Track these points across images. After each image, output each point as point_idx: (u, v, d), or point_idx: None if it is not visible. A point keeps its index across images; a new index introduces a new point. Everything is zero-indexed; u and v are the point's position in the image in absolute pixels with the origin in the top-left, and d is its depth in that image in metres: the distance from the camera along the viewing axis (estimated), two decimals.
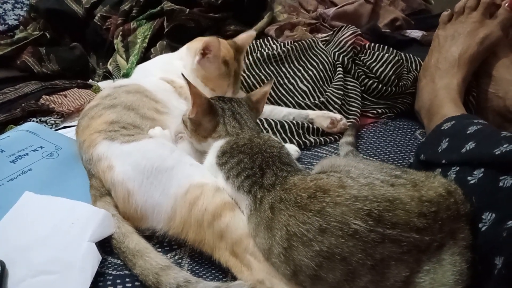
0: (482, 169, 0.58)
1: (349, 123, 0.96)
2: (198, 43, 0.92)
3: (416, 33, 1.29)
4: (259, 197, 0.56)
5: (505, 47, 0.96)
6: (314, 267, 0.48)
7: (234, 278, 0.57)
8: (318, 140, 0.93)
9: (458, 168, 0.62)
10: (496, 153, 0.56)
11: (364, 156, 0.87)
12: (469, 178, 0.58)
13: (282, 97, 1.04)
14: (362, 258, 0.46)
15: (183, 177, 0.62)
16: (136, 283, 0.57)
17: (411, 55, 1.11)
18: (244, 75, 1.05)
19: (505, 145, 0.56)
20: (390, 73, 1.04)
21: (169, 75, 0.88)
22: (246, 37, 0.98)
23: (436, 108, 0.90)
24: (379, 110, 1.04)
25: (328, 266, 0.48)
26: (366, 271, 0.46)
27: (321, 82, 1.08)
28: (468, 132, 0.66)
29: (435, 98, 0.92)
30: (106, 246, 0.61)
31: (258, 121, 0.81)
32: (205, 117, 0.70)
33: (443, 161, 0.66)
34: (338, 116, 0.96)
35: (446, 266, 0.48)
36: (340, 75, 1.06)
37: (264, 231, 0.54)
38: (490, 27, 0.95)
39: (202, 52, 0.86)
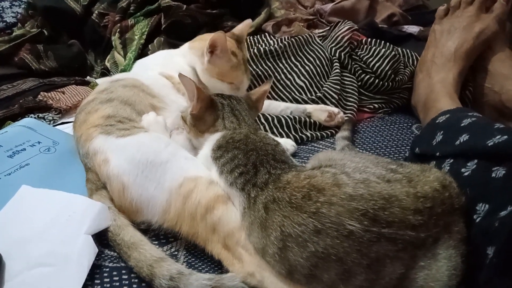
0: (476, 161, 0.58)
1: (346, 118, 0.97)
2: (200, 42, 0.92)
3: (413, 29, 1.29)
4: (252, 196, 0.56)
5: (501, 41, 0.96)
6: (309, 267, 0.48)
7: (228, 271, 0.57)
8: (314, 134, 0.94)
9: (452, 160, 0.62)
10: (489, 144, 0.57)
11: (360, 151, 0.88)
12: (463, 170, 0.59)
13: (279, 93, 1.05)
14: (358, 258, 0.46)
15: (178, 170, 0.63)
16: (132, 275, 0.57)
17: (408, 50, 1.11)
18: None
19: (497, 137, 0.56)
20: (387, 68, 1.04)
21: (168, 70, 0.89)
22: (243, 26, 0.99)
23: (432, 102, 0.90)
24: (376, 105, 1.05)
25: (324, 266, 0.48)
26: (361, 270, 0.47)
27: (318, 78, 1.08)
28: (462, 124, 0.67)
29: (431, 92, 0.93)
30: (102, 238, 0.61)
31: None
32: (206, 112, 0.70)
33: (438, 154, 0.66)
34: (335, 109, 0.97)
35: (441, 261, 0.48)
36: (337, 70, 1.06)
37: (258, 231, 0.54)
38: (486, 21, 0.95)
39: (210, 50, 0.86)
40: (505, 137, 0.56)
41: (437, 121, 0.74)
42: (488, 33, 0.94)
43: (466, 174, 0.58)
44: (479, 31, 0.94)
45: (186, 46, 0.97)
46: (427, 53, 1.01)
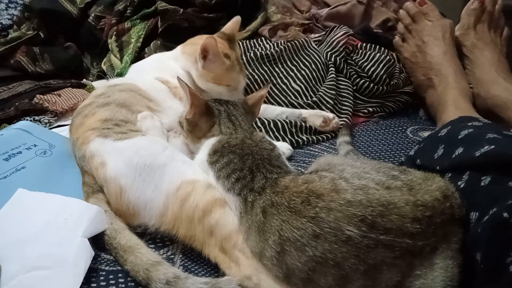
0: (468, 172, 0.58)
1: (341, 123, 0.98)
2: (192, 47, 0.93)
3: None
4: (250, 201, 0.56)
5: (482, 49, 1.00)
6: (306, 271, 0.48)
7: (225, 274, 0.57)
8: (310, 138, 0.94)
9: (450, 174, 0.62)
10: (476, 155, 0.57)
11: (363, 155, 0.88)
12: (459, 183, 0.58)
13: (275, 97, 1.05)
14: (355, 264, 0.46)
15: (175, 174, 0.63)
16: (129, 279, 0.57)
17: None
18: None
19: (485, 147, 0.56)
20: (382, 72, 1.06)
21: (164, 75, 0.89)
22: (232, 24, 0.99)
23: (440, 114, 0.95)
24: (371, 109, 1.06)
25: (321, 271, 0.48)
26: (358, 276, 0.47)
27: (313, 82, 1.09)
28: (459, 137, 0.66)
29: (438, 104, 0.98)
30: (99, 242, 0.61)
31: None
32: (202, 118, 0.70)
33: (438, 168, 0.66)
34: (330, 115, 0.97)
35: (438, 271, 0.48)
36: (333, 75, 1.07)
37: (256, 235, 0.54)
38: (440, 23, 1.04)
39: (202, 56, 0.87)
40: (492, 146, 0.56)
41: (439, 134, 0.73)
42: (449, 31, 1.03)
43: (462, 186, 0.58)
44: (442, 34, 1.02)
45: (178, 49, 0.97)
46: (417, 75, 1.07)
